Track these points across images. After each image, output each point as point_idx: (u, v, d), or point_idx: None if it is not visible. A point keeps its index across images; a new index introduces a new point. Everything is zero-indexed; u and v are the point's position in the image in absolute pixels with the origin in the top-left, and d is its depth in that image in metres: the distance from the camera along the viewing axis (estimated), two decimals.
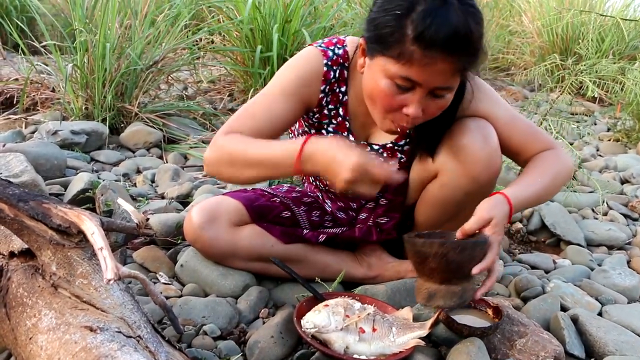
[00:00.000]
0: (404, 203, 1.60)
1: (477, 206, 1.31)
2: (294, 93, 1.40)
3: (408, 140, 1.51)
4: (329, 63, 1.42)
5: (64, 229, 1.02)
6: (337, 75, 1.44)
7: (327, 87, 1.44)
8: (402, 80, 1.21)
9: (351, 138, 1.51)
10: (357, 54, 1.35)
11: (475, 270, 1.24)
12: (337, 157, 1.15)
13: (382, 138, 1.52)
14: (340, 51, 1.43)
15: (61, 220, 1.02)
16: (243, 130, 1.33)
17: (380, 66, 1.23)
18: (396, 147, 1.52)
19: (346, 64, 1.44)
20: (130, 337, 0.93)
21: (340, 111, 1.48)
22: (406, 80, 1.20)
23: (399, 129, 1.32)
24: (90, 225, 1.00)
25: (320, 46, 1.44)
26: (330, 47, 1.44)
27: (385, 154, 1.52)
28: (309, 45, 1.47)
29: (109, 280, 0.91)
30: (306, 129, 1.55)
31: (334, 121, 1.50)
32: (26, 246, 1.09)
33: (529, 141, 1.48)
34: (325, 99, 1.46)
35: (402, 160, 1.53)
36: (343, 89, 1.46)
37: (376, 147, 1.52)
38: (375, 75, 1.25)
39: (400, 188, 1.57)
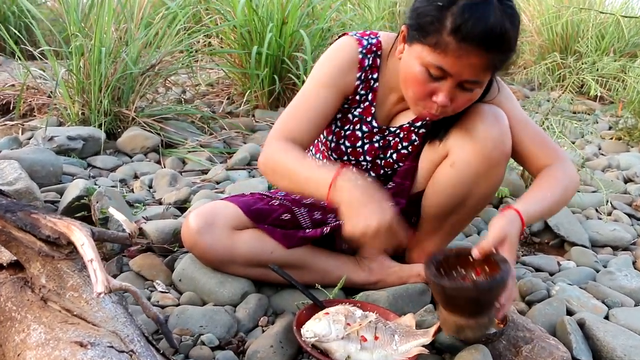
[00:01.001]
0: (411, 189, 1.58)
1: (491, 222, 1.30)
2: (333, 84, 1.46)
3: (425, 122, 1.53)
4: (364, 51, 1.47)
5: (53, 240, 0.99)
6: (371, 62, 1.48)
7: (363, 74, 1.48)
8: (435, 69, 1.26)
9: (374, 124, 1.53)
10: (398, 40, 1.39)
11: (503, 301, 1.24)
12: (365, 207, 1.20)
13: (401, 121, 1.55)
14: (374, 40, 1.49)
15: (50, 231, 0.99)
16: (293, 133, 1.41)
17: (417, 53, 1.28)
18: (413, 128, 1.54)
19: (379, 52, 1.48)
20: (123, 351, 0.90)
21: (370, 96, 1.51)
22: (439, 69, 1.25)
23: (428, 117, 1.37)
24: (80, 236, 0.96)
25: (355, 35, 1.49)
26: (364, 37, 1.48)
27: (402, 134, 1.55)
28: (343, 34, 1.52)
29: (99, 294, 0.88)
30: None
31: (361, 105, 1.53)
32: (15, 258, 1.06)
33: (538, 148, 1.49)
34: (360, 86, 1.50)
35: (415, 143, 1.55)
36: (375, 75, 1.50)
37: (393, 129, 1.55)
38: (411, 62, 1.31)
39: (409, 171, 1.57)
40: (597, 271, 1.86)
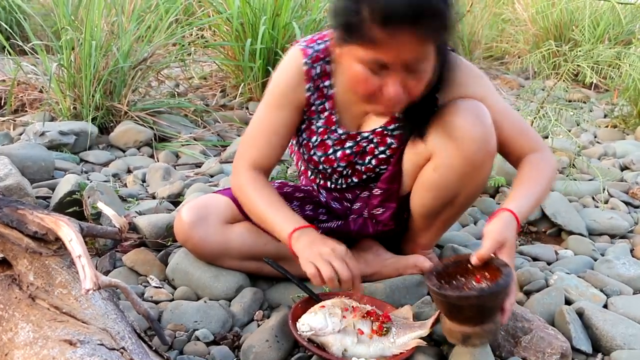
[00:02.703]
0: (399, 192, 1.55)
1: (487, 228, 1.27)
2: (284, 103, 1.44)
3: (398, 124, 1.47)
4: (309, 61, 1.41)
5: (40, 236, 0.96)
6: (319, 71, 1.42)
7: (312, 85, 1.43)
8: (373, 63, 1.18)
9: (339, 131, 1.48)
10: (333, 45, 1.31)
11: (507, 306, 1.21)
12: (315, 245, 1.31)
13: (373, 124, 1.49)
14: (321, 46, 1.41)
15: (37, 227, 0.96)
16: (258, 159, 1.46)
17: (350, 53, 1.21)
18: (386, 132, 1.48)
19: (328, 58, 1.41)
20: (114, 349, 0.87)
21: (327, 105, 1.46)
22: (376, 63, 1.18)
23: (388, 113, 1.32)
24: (68, 232, 0.94)
25: (300, 45, 1.43)
26: (310, 45, 1.42)
27: (375, 139, 1.49)
28: (294, 42, 1.49)
29: (88, 291, 0.85)
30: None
31: (322, 116, 1.47)
32: (1, 255, 1.03)
33: (517, 137, 1.44)
34: (312, 97, 1.44)
35: (393, 146, 1.49)
36: (327, 83, 1.44)
37: (366, 134, 1.49)
38: (348, 63, 1.23)
39: (394, 176, 1.52)
40: (595, 260, 1.85)
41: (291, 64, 1.43)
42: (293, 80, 1.42)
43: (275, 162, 1.49)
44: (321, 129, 1.48)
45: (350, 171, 1.53)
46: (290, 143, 1.57)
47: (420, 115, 1.38)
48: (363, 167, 1.52)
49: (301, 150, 1.56)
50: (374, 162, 1.51)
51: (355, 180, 1.55)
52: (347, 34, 1.19)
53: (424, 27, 1.14)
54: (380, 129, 1.47)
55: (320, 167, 1.54)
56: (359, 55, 1.18)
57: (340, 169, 1.53)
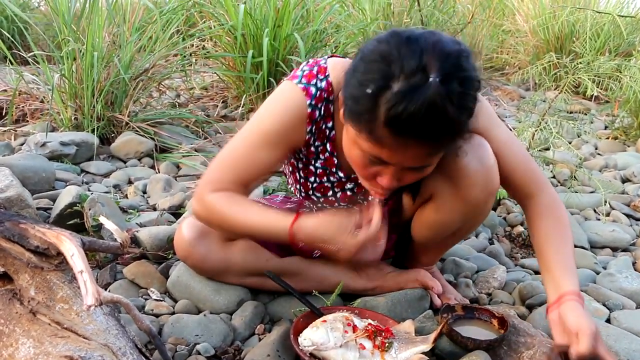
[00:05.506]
0: (400, 223, 1.55)
1: (569, 321, 1.20)
2: (279, 142, 1.32)
3: None
4: (313, 102, 1.30)
5: (42, 250, 0.96)
6: (322, 112, 1.33)
7: (314, 127, 1.34)
8: (373, 157, 1.13)
9: (340, 174, 1.43)
10: (340, 101, 1.20)
11: None
12: (332, 239, 1.19)
13: None
14: (323, 84, 1.30)
15: (39, 242, 0.96)
16: (226, 184, 1.32)
17: (354, 137, 1.14)
18: None
19: (330, 98, 1.32)
20: None
21: (328, 147, 1.39)
22: (377, 158, 1.12)
23: (378, 197, 1.24)
24: (70, 247, 0.93)
25: (300, 82, 1.31)
26: (312, 82, 1.30)
27: None
28: (287, 80, 1.34)
29: (90, 307, 0.85)
30: (294, 161, 1.47)
31: (321, 156, 1.42)
32: (2, 269, 1.02)
33: (523, 174, 1.39)
34: (312, 138, 1.37)
35: None
36: (330, 124, 1.36)
37: None
38: (349, 143, 1.18)
39: (394, 211, 1.52)
40: (597, 273, 1.85)
41: (292, 103, 1.31)
42: (293, 121, 1.31)
43: (247, 194, 1.38)
44: (320, 170, 1.44)
45: (352, 205, 1.52)
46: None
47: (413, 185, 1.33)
48: (365, 203, 1.51)
49: (297, 187, 1.51)
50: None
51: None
52: (356, 121, 1.10)
53: (437, 142, 1.09)
54: None
55: (319, 205, 1.51)
56: (361, 143, 1.12)
57: (340, 207, 1.50)
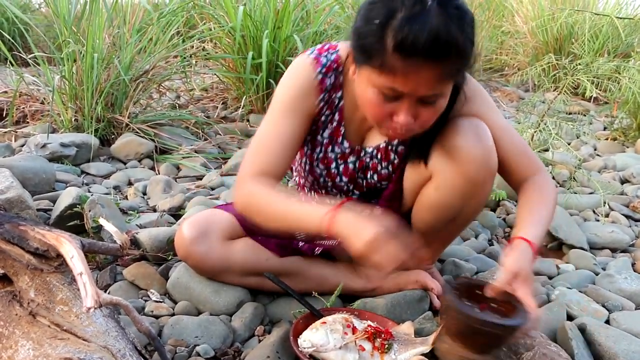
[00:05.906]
0: (400, 209, 1.55)
1: (503, 258, 1.25)
2: (295, 109, 1.38)
3: (402, 142, 1.47)
4: (323, 70, 1.38)
5: (42, 252, 0.96)
6: (333, 81, 1.40)
7: (326, 95, 1.41)
8: (388, 90, 1.17)
9: (345, 144, 1.47)
10: (349, 61, 1.30)
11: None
12: (364, 223, 1.15)
13: (377, 140, 1.48)
14: (333, 56, 1.39)
15: (39, 243, 0.96)
16: (266, 168, 1.34)
17: (366, 76, 1.20)
18: (390, 147, 1.48)
19: (340, 69, 1.40)
20: None
21: (336, 116, 1.45)
22: (391, 90, 1.17)
23: (396, 138, 1.29)
24: (69, 248, 0.94)
25: (312, 54, 1.40)
26: (322, 54, 1.39)
27: (379, 155, 1.49)
28: (301, 53, 1.43)
29: (89, 309, 0.85)
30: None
31: (329, 126, 1.46)
32: (2, 271, 1.03)
33: (519, 158, 1.43)
34: (324, 108, 1.43)
35: (395, 162, 1.49)
36: (339, 94, 1.42)
37: (370, 150, 1.49)
38: (362, 85, 1.23)
39: (394, 194, 1.52)
40: (597, 274, 1.85)
41: (303, 72, 1.39)
42: (305, 88, 1.38)
43: (284, 172, 1.41)
44: (326, 140, 1.47)
45: (352, 186, 1.53)
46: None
47: (425, 140, 1.38)
48: (364, 182, 1.52)
49: (303, 160, 1.54)
50: (375, 177, 1.51)
51: (356, 192, 1.55)
52: (366, 57, 1.17)
53: (446, 66, 1.13)
54: (383, 145, 1.47)
55: (321, 179, 1.53)
56: (374, 79, 1.17)
57: (342, 184, 1.53)
